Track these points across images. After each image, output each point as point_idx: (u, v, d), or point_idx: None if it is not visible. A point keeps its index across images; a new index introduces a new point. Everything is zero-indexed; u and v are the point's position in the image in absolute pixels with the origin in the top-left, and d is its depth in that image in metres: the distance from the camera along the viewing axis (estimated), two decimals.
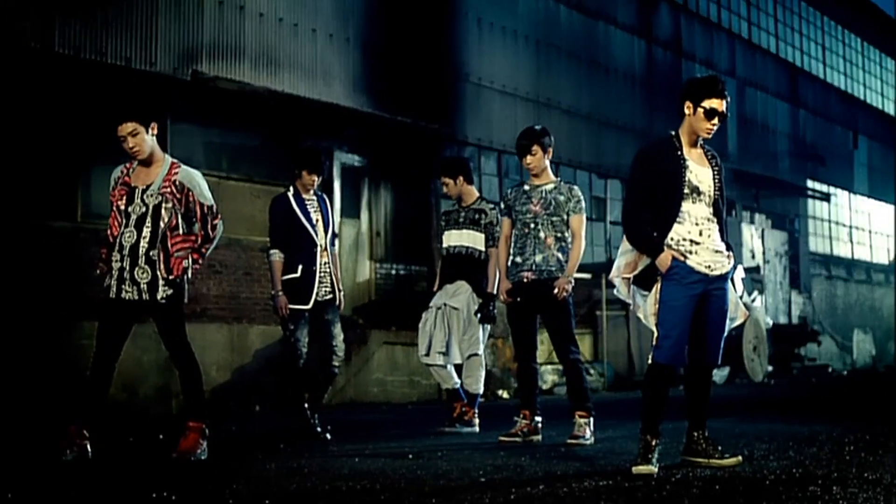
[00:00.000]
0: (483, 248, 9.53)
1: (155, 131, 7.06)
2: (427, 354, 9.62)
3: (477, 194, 9.82)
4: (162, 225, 6.96)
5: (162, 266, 6.94)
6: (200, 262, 7.20)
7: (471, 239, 9.55)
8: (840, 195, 34.09)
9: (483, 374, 9.69)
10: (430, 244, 17.07)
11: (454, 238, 9.63)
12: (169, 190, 7.00)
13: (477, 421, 9.51)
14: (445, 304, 9.56)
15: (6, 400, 10.76)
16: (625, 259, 6.35)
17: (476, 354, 9.56)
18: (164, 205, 6.97)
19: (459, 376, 9.67)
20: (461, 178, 9.67)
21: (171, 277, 6.95)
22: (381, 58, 16.90)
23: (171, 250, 6.98)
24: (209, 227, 7.14)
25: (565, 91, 21.21)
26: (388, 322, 15.72)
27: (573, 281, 8.27)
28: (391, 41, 17.09)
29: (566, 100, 21.21)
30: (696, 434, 6.38)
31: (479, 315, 9.43)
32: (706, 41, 26.92)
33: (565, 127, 20.34)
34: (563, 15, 21.43)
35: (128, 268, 6.92)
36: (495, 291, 9.23)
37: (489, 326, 9.72)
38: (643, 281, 6.27)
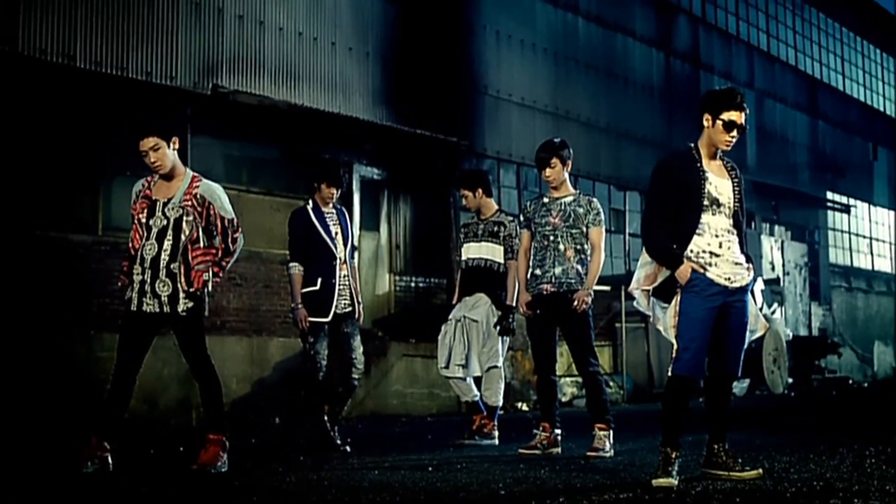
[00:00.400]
0: (502, 261, 9.50)
1: (176, 145, 7.09)
2: (447, 367, 9.61)
3: (496, 207, 9.82)
4: (183, 238, 6.98)
5: (183, 279, 6.96)
6: (221, 275, 7.22)
7: (490, 251, 9.52)
8: (860, 207, 33.96)
9: (502, 386, 9.67)
10: (450, 256, 17.09)
11: (473, 251, 9.61)
12: (190, 203, 7.02)
13: (496, 433, 9.49)
14: (465, 317, 9.54)
15: (28, 412, 10.80)
16: (644, 271, 6.35)
17: (495, 367, 9.54)
18: (185, 218, 7.00)
19: (479, 389, 9.66)
20: (480, 190, 9.68)
21: (191, 290, 6.97)
22: (399, 71, 16.95)
23: (191, 263, 7.00)
24: (230, 240, 7.16)
25: (584, 103, 21.22)
26: (408, 334, 15.73)
27: (593, 293, 8.27)
28: (410, 54, 17.13)
29: (585, 112, 21.22)
30: (716, 446, 6.36)
31: (498, 327, 9.43)
32: (725, 53, 26.90)
33: (584, 139, 20.34)
34: (581, 27, 21.45)
35: (149, 280, 6.94)
36: (514, 304, 9.21)
37: (508, 339, 9.72)
38: (663, 293, 6.26)
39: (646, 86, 23.48)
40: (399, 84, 16.96)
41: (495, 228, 9.56)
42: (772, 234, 28.21)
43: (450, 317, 9.70)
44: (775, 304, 23.07)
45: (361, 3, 16.48)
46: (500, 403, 9.70)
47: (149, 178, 7.18)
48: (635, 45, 23.22)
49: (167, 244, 6.96)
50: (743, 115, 6.19)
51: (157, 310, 6.95)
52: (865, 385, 27.99)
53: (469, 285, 9.64)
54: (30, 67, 12.09)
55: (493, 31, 19.07)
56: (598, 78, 21.89)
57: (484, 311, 9.49)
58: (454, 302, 9.83)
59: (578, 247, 8.30)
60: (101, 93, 12.75)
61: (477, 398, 9.62)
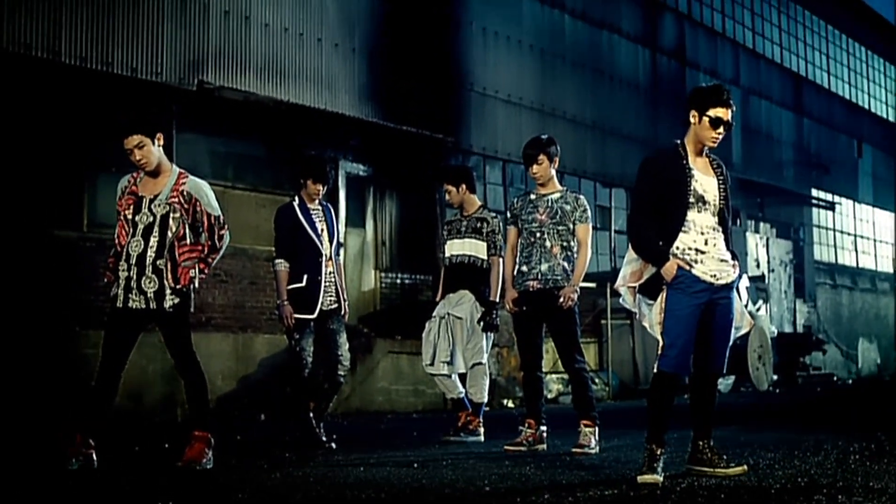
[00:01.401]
0: (485, 257, 9.53)
1: (161, 142, 7.07)
2: (431, 364, 9.61)
3: (479, 203, 9.84)
4: (170, 234, 6.97)
5: (169, 275, 6.95)
6: (206, 271, 7.21)
7: (473, 248, 9.54)
8: (845, 204, 34.08)
9: (487, 382, 9.69)
10: (435, 253, 17.08)
11: (456, 247, 9.62)
12: (177, 200, 7.01)
13: (482, 430, 9.50)
14: (449, 314, 9.54)
15: (12, 408, 10.77)
16: (630, 268, 6.35)
17: (480, 363, 9.56)
18: (171, 214, 6.98)
19: (464, 385, 9.67)
20: (464, 186, 9.69)
21: (178, 287, 6.96)
22: (386, 67, 16.94)
23: (178, 260, 6.99)
24: (216, 237, 7.15)
25: (570, 100, 21.24)
26: (393, 331, 15.73)
27: (579, 290, 8.28)
28: (396, 51, 17.13)
29: (571, 109, 21.24)
30: (701, 443, 6.37)
31: (482, 323, 9.44)
32: (710, 50, 26.95)
33: (570, 136, 20.35)
34: (567, 24, 21.47)
35: (135, 277, 6.92)
36: (498, 300, 9.27)
37: (493, 335, 9.73)
38: (649, 290, 6.27)
39: (632, 83, 23.52)
40: (385, 80, 16.94)
41: (478, 225, 9.57)
42: (757, 231, 28.28)
43: (434, 314, 9.70)
44: (760, 301, 23.14)
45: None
46: (486, 400, 9.70)
47: (134, 175, 7.16)
48: (621, 43, 23.25)
49: (153, 241, 6.94)
50: (729, 111, 6.20)
51: (143, 306, 6.93)
52: (850, 382, 28.09)
53: (453, 282, 9.64)
54: (14, 63, 12.04)
55: (480, 27, 19.07)
56: (584, 75, 21.91)
57: (468, 307, 9.49)
58: (437, 299, 9.84)
59: (565, 243, 8.32)
60: (86, 88, 12.71)
61: (462, 395, 9.62)
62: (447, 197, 9.85)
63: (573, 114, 21.29)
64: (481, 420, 9.58)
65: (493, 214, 9.76)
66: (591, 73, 22.15)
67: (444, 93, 18.12)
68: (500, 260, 9.28)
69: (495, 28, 19.40)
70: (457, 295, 9.56)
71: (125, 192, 7.10)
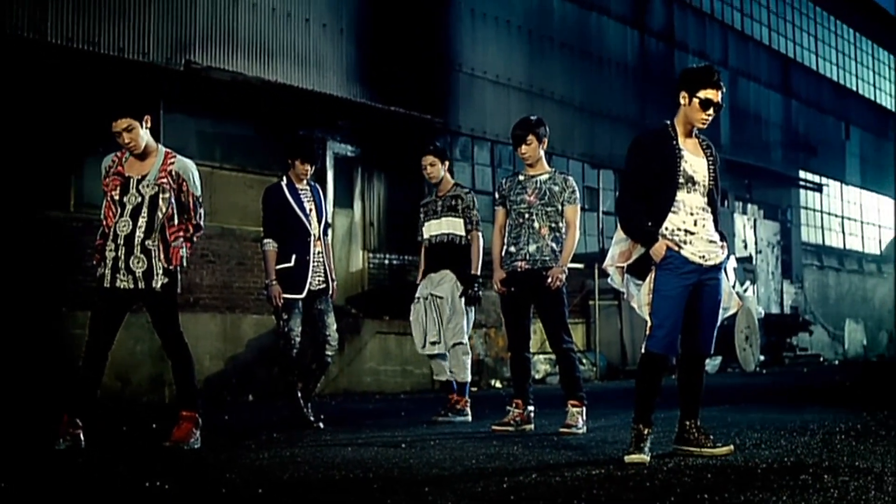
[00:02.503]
0: (463, 234, 9.59)
1: (149, 124, 7.06)
2: (424, 346, 9.65)
3: (452, 181, 9.87)
4: (160, 215, 6.96)
5: (162, 255, 6.95)
6: (190, 250, 7.24)
7: (451, 225, 9.57)
8: (832, 186, 34.16)
9: (469, 361, 9.69)
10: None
11: (434, 227, 9.65)
12: (166, 180, 7.01)
13: (469, 410, 9.53)
14: (431, 294, 9.58)
15: (0, 390, 10.76)
16: (619, 248, 6.36)
17: (460, 343, 9.54)
18: (161, 195, 6.98)
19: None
20: (447, 163, 9.79)
21: (169, 267, 6.97)
22: (374, 48, 16.90)
23: (169, 240, 6.99)
24: (198, 216, 7.17)
25: (558, 81, 21.23)
26: (381, 312, 15.73)
27: (567, 271, 8.29)
28: (384, 31, 17.09)
29: (559, 90, 21.23)
30: (688, 423, 6.39)
31: (464, 298, 9.48)
32: (699, 32, 26.94)
33: (558, 117, 20.35)
34: (556, 5, 21.43)
35: (122, 257, 6.92)
36: (478, 272, 9.46)
37: (473, 314, 9.74)
38: (637, 270, 6.27)
39: (620, 64, 23.50)
40: (373, 61, 16.91)
41: (453, 202, 9.61)
42: (744, 212, 28.34)
43: (416, 295, 9.74)
44: (748, 282, 23.19)
45: None
46: (469, 379, 9.71)
47: (119, 154, 7.14)
48: (610, 24, 23.23)
49: (142, 221, 6.93)
50: (719, 93, 6.20)
51: (132, 286, 6.92)
52: (836, 363, 28.20)
53: (433, 262, 9.66)
54: (0, 43, 11.98)
55: (469, 8, 19.03)
56: (572, 56, 21.89)
57: (449, 287, 9.52)
58: (419, 280, 9.84)
59: (553, 224, 8.32)
60: (72, 68, 12.65)
61: (450, 377, 9.66)
62: (429, 170, 9.69)
63: (561, 95, 21.28)
64: (468, 399, 9.60)
65: (467, 190, 9.81)
66: (580, 54, 22.13)
67: (433, 74, 18.10)
68: (479, 234, 9.56)
69: (484, 9, 19.37)
70: (438, 275, 9.59)
71: (109, 171, 7.09)
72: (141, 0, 13.44)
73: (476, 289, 9.50)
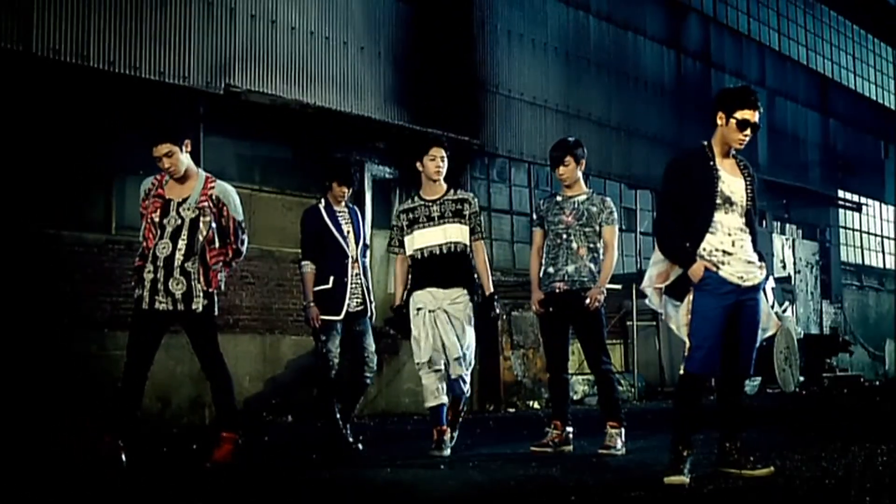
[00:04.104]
0: (468, 243, 8.46)
1: (188, 148, 7.15)
2: (430, 358, 8.58)
3: (446, 185, 8.68)
4: (200, 238, 7.04)
5: (201, 278, 7.01)
6: (228, 274, 7.31)
7: (456, 234, 8.42)
8: (871, 205, 33.89)
9: (424, 388, 8.67)
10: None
11: (429, 237, 8.43)
12: (207, 204, 7.08)
13: (445, 440, 8.42)
14: (445, 312, 8.35)
15: (42, 410, 10.84)
16: (657, 269, 6.36)
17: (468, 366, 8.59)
18: (202, 218, 7.05)
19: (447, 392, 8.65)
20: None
21: (208, 289, 7.02)
22: (411, 70, 16.97)
23: (209, 263, 7.05)
24: (239, 241, 7.23)
25: (595, 102, 21.21)
26: None
27: (605, 291, 8.29)
28: (422, 54, 17.16)
29: (596, 111, 21.21)
30: (728, 444, 6.37)
31: (492, 315, 8.61)
32: (736, 52, 26.86)
33: (595, 138, 20.33)
34: (592, 26, 21.44)
35: (161, 279, 6.98)
36: (493, 290, 8.53)
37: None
38: (675, 291, 6.27)
39: (657, 84, 23.46)
40: (411, 83, 16.98)
41: (458, 207, 8.46)
42: (783, 232, 28.17)
43: (418, 307, 8.51)
44: (786, 303, 23.02)
45: (373, 3, 16.50)
46: (427, 405, 8.67)
47: (159, 177, 7.23)
48: (646, 44, 23.20)
49: (181, 243, 7.01)
50: (757, 113, 6.21)
51: (170, 308, 6.99)
52: (877, 383, 27.93)
53: (431, 277, 8.40)
54: (43, 67, 12.13)
55: (505, 30, 19.07)
56: (609, 77, 21.87)
57: (465, 308, 8.42)
58: (398, 302, 8.81)
59: (591, 245, 8.33)
60: (114, 92, 12.79)
61: (445, 403, 8.60)
62: (433, 165, 8.52)
63: (598, 116, 21.26)
64: (442, 428, 8.48)
65: (472, 194, 8.76)
66: (616, 74, 22.11)
67: (470, 96, 18.13)
68: (483, 244, 8.55)
69: (520, 30, 19.41)
70: (449, 292, 8.38)
71: (149, 194, 7.18)
72: (181, 25, 13.57)
73: (497, 312, 8.60)
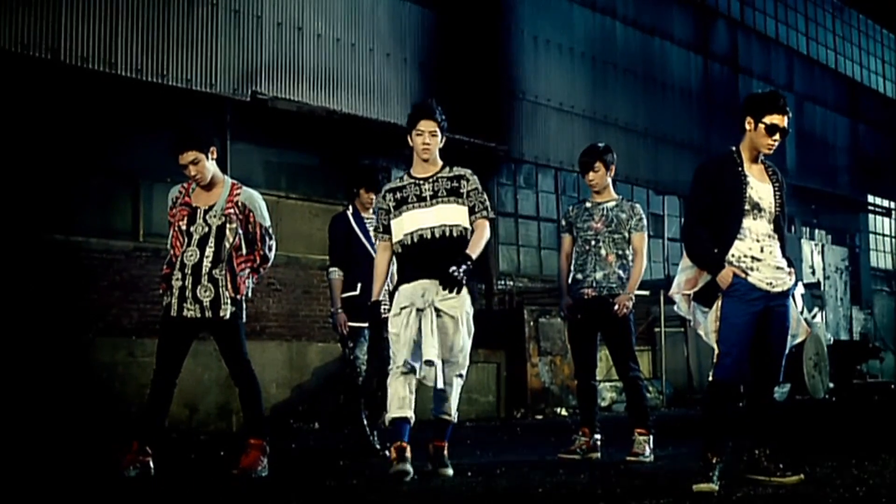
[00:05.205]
0: (468, 226, 7.13)
1: (215, 155, 7.16)
2: (413, 363, 7.06)
3: (441, 163, 7.43)
4: (227, 245, 7.04)
5: (229, 285, 7.01)
6: (256, 281, 7.31)
7: (452, 214, 7.13)
8: None
9: (389, 396, 7.23)
10: (488, 261, 17.06)
11: (420, 219, 7.10)
12: (233, 211, 7.08)
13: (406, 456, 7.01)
14: (434, 309, 6.92)
15: (70, 417, 10.89)
16: (685, 275, 6.32)
17: (460, 375, 7.40)
18: (228, 225, 7.05)
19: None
20: (444, 139, 7.46)
21: (236, 296, 7.03)
22: (437, 76, 16.99)
23: (236, 270, 7.05)
24: (266, 247, 7.23)
25: (622, 108, 21.18)
26: None
27: (634, 298, 8.25)
28: (447, 60, 17.17)
29: (623, 116, 21.18)
30: (757, 451, 6.33)
31: (452, 272, 6.78)
32: (763, 56, 26.77)
33: (622, 143, 20.29)
34: (619, 31, 21.41)
35: (189, 286, 6.99)
36: (474, 257, 6.87)
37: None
38: (704, 297, 6.23)
39: (684, 90, 23.40)
40: (437, 90, 16.98)
41: (454, 184, 7.20)
42: (812, 237, 28.04)
43: (402, 305, 7.05)
44: (816, 309, 22.89)
45: (399, 10, 16.53)
46: (386, 418, 7.30)
47: (186, 185, 7.24)
48: (673, 49, 23.16)
49: (209, 251, 7.01)
50: (785, 118, 6.16)
51: (199, 315, 6.99)
52: None
53: (421, 267, 7.02)
54: (72, 75, 12.21)
55: (531, 36, 19.07)
56: (636, 82, 21.84)
57: (462, 304, 7.03)
58: (378, 295, 7.51)
59: (620, 252, 8.30)
60: (141, 100, 12.85)
61: (411, 418, 7.27)
62: (420, 141, 7.30)
63: (625, 121, 21.22)
64: (397, 445, 7.07)
65: (470, 170, 7.35)
66: (643, 80, 22.07)
67: (496, 101, 18.14)
68: (487, 223, 7.14)
69: (546, 36, 19.40)
70: (440, 286, 6.86)
71: (177, 202, 7.19)
72: (208, 33, 13.63)
73: (463, 270, 6.73)
